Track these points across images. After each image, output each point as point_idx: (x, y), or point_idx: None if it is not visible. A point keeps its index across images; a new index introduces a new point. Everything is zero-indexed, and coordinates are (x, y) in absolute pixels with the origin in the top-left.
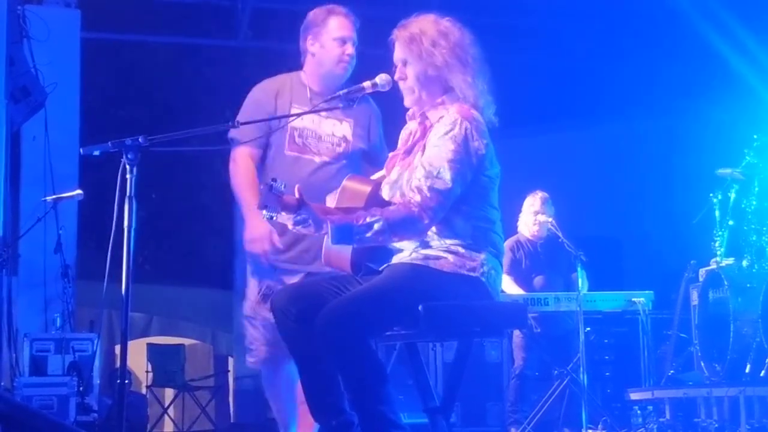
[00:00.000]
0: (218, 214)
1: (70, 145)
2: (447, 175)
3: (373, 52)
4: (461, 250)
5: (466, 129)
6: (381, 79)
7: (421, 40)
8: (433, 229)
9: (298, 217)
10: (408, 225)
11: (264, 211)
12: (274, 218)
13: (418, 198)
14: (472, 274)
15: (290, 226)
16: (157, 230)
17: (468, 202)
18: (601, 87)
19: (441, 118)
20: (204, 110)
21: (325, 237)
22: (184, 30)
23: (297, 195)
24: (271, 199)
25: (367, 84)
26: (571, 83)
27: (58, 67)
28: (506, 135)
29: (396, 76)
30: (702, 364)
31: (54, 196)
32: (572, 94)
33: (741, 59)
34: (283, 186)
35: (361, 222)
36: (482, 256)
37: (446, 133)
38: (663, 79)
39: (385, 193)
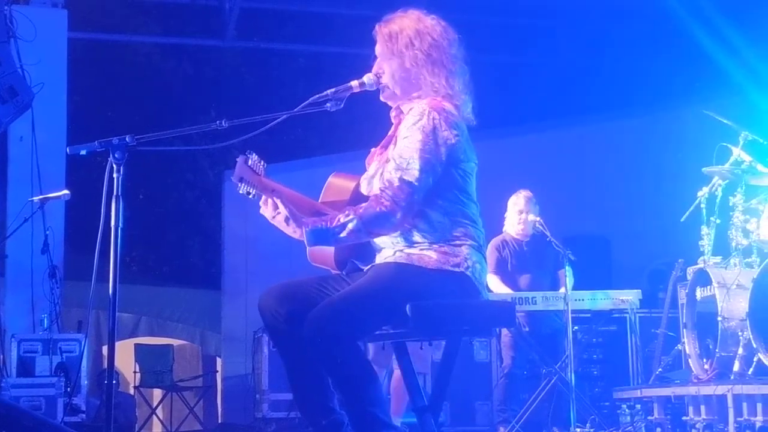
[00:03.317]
0: (206, 214)
1: (57, 145)
2: (416, 165)
3: (363, 52)
4: (443, 246)
5: (434, 119)
6: (368, 78)
7: (397, 39)
8: (414, 224)
9: (278, 213)
10: (381, 220)
11: (240, 185)
12: (252, 195)
13: (389, 191)
14: (456, 269)
15: (270, 218)
16: (144, 230)
17: (444, 196)
18: (587, 85)
19: (411, 109)
20: (191, 110)
21: None
22: (171, 30)
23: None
24: (247, 172)
25: (354, 83)
26: (558, 82)
27: (45, 67)
28: (494, 134)
29: (373, 71)
30: (690, 362)
31: (41, 197)
32: (559, 93)
33: (727, 57)
34: (262, 164)
35: (335, 224)
36: (464, 250)
37: (414, 124)
38: (650, 77)
39: (363, 188)
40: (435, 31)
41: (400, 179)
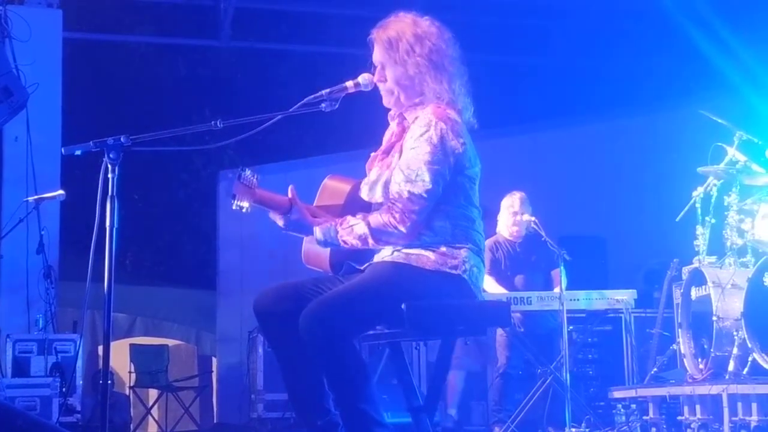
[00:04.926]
0: (201, 214)
1: (52, 146)
2: (426, 177)
3: (358, 52)
4: (442, 248)
5: (441, 129)
6: (363, 78)
7: (398, 46)
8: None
9: (292, 218)
10: (390, 230)
11: (233, 201)
12: (244, 209)
13: (399, 204)
14: (453, 271)
15: (282, 225)
16: (139, 230)
17: (448, 201)
18: (583, 86)
19: (416, 118)
20: (186, 110)
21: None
22: (166, 30)
23: (290, 195)
24: (240, 188)
25: (349, 84)
26: (554, 82)
27: (39, 67)
28: (488, 135)
29: (375, 78)
30: (685, 362)
31: (36, 197)
32: (555, 93)
33: (723, 57)
34: (255, 177)
35: (344, 226)
36: (463, 253)
37: (422, 135)
38: (645, 78)
39: (364, 193)
40: (432, 34)
41: (410, 192)
